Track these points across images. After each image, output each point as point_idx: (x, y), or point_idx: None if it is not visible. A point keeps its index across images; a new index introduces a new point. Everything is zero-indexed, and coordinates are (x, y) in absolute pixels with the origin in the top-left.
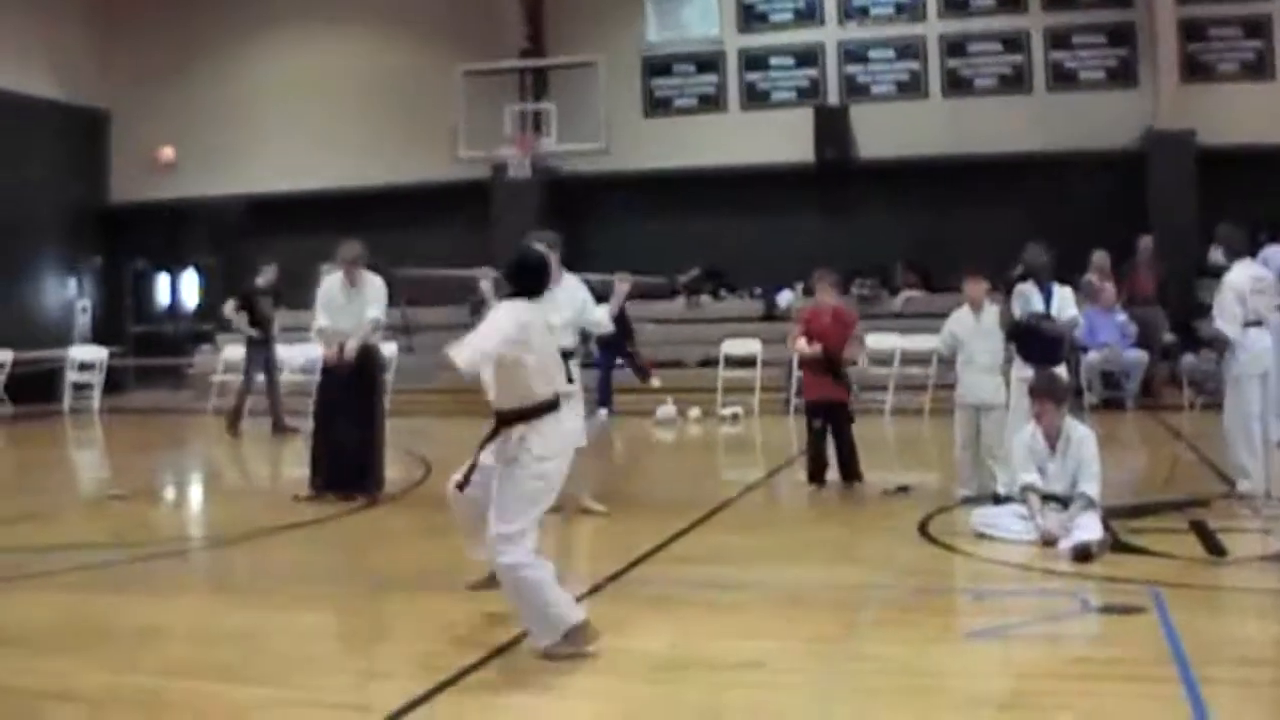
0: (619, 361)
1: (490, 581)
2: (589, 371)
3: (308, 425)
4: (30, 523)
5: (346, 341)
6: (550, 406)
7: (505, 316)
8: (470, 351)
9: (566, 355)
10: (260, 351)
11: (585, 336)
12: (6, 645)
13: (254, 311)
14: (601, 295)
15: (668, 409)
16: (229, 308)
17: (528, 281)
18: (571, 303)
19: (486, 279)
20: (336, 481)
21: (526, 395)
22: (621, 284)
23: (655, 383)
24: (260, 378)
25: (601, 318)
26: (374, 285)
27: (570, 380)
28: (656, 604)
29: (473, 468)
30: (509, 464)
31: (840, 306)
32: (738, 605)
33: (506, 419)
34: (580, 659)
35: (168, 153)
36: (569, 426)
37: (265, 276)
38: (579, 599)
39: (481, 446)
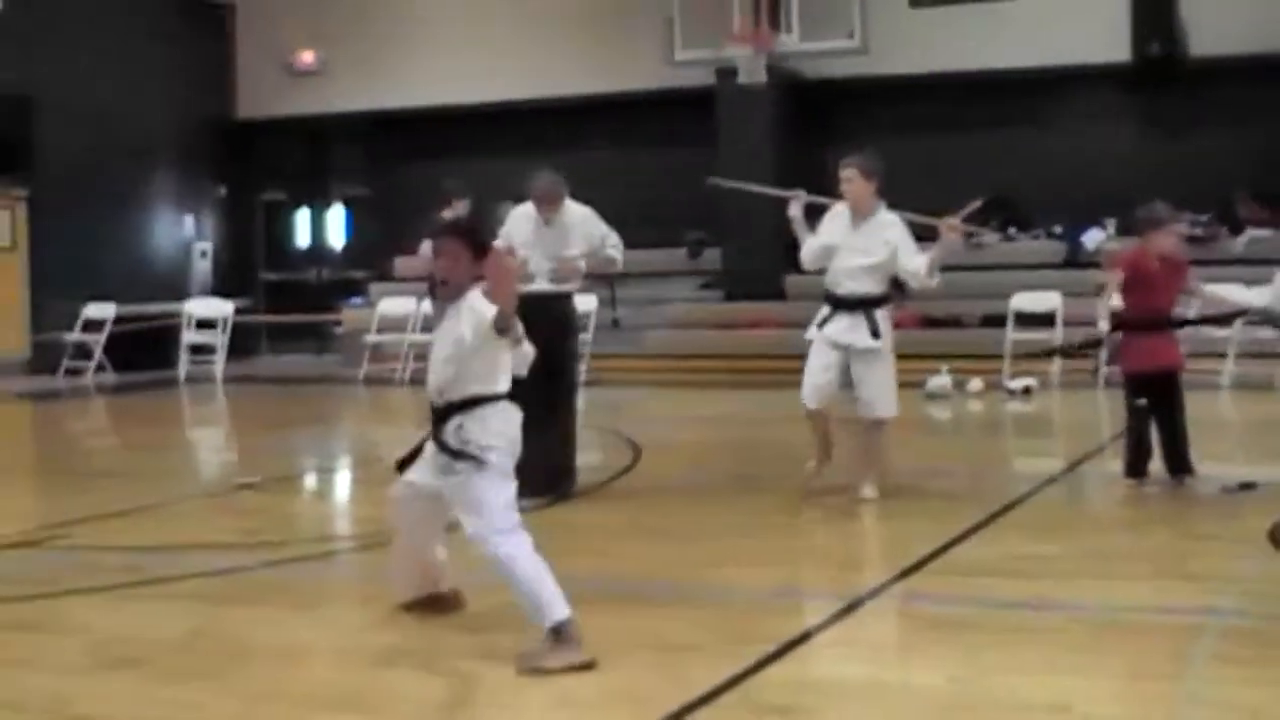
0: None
1: (428, 604)
2: None
3: None
4: (144, 518)
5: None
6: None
7: None
8: None
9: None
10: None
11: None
12: (124, 668)
13: None
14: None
15: (941, 379)
16: (425, 249)
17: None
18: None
19: (799, 202)
20: (516, 473)
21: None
22: (794, 205)
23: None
24: None
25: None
26: (584, 219)
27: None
28: (932, 627)
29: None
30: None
31: (1176, 251)
32: (1035, 630)
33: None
34: (585, 669)
35: (308, 57)
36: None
37: (457, 211)
38: (830, 618)
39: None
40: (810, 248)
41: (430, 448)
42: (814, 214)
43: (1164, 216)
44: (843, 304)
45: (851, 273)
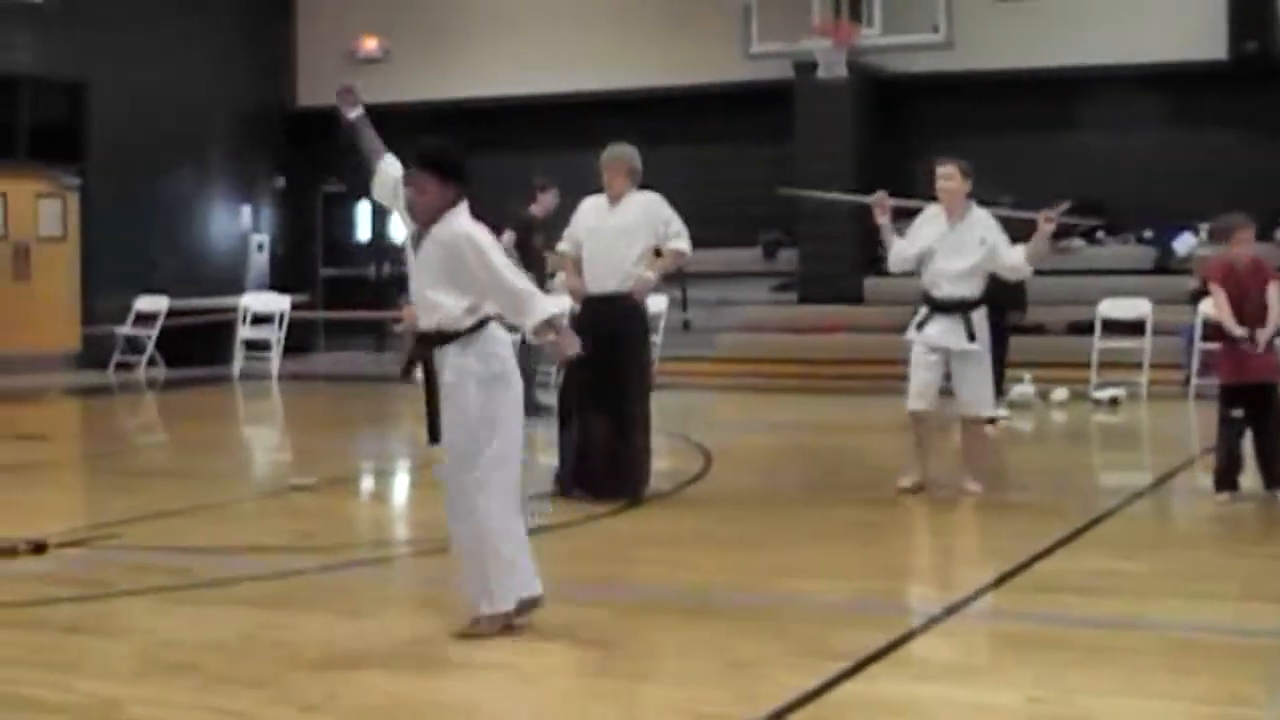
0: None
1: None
2: None
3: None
4: (196, 519)
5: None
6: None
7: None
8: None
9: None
10: None
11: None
12: (174, 673)
13: (528, 249)
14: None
15: (1024, 388)
16: (507, 239)
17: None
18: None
19: (883, 207)
20: (588, 477)
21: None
22: (880, 212)
23: None
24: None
25: None
26: (649, 203)
27: None
28: (1013, 644)
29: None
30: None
31: (1259, 256)
32: (1117, 650)
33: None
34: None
35: (371, 44)
36: None
37: (541, 204)
38: (907, 634)
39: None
40: (901, 252)
41: None
42: (896, 216)
43: (1233, 224)
44: (941, 306)
45: (951, 276)
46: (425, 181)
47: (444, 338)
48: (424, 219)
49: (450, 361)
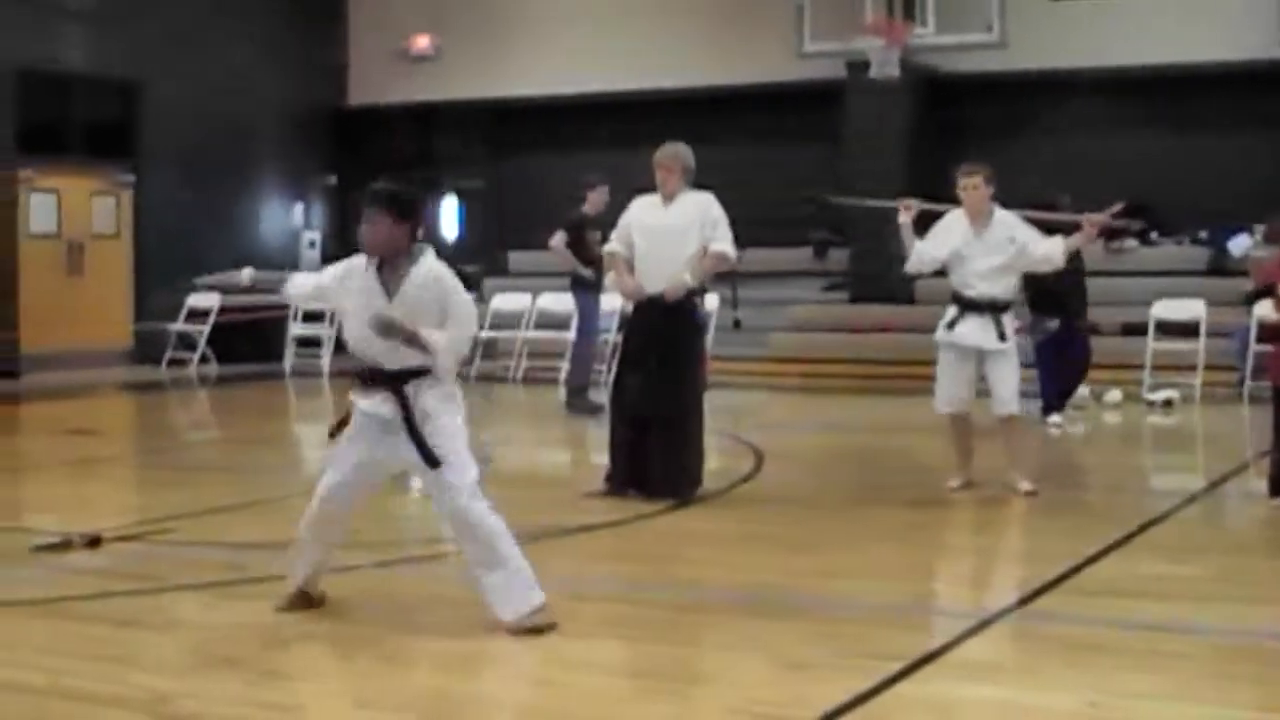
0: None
1: (299, 600)
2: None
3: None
4: (247, 514)
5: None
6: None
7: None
8: None
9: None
10: (592, 300)
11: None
12: (225, 667)
13: (583, 246)
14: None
15: (1078, 391)
16: (558, 240)
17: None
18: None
19: (911, 210)
20: (639, 476)
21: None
22: (904, 212)
23: None
24: (575, 334)
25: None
26: (699, 203)
27: None
28: (1068, 649)
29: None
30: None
31: None
32: (1172, 656)
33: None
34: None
35: (423, 42)
36: None
37: (592, 202)
38: (958, 636)
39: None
40: (924, 254)
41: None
42: (930, 220)
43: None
44: (972, 306)
45: (984, 274)
46: (378, 217)
47: (425, 371)
48: (373, 250)
49: (428, 391)
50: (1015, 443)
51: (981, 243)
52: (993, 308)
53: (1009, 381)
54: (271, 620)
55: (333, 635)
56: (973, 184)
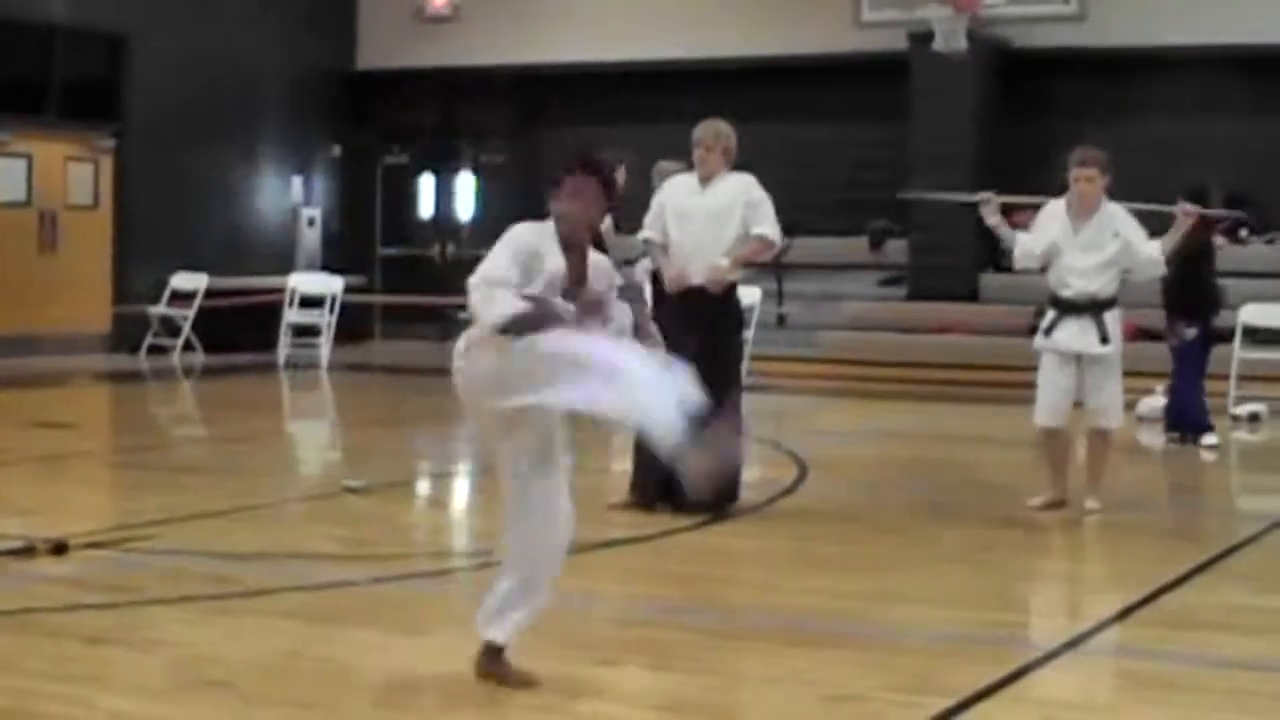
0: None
1: None
2: None
3: None
4: (236, 521)
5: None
6: None
7: None
8: None
9: None
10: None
11: None
12: (208, 691)
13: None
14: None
15: (1155, 401)
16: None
17: None
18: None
19: (993, 206)
20: (669, 487)
21: None
22: (989, 213)
23: None
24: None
25: None
26: (740, 185)
27: None
28: (1139, 684)
29: None
30: None
31: None
32: (1254, 694)
33: None
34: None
35: (440, 2)
36: None
37: (622, 176)
38: (1020, 669)
39: None
40: (1028, 248)
41: None
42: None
43: None
44: (1071, 307)
45: (1081, 271)
46: (585, 185)
47: None
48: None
49: None
50: (1097, 459)
51: (1081, 237)
52: (1093, 306)
53: (1108, 390)
54: (261, 639)
55: (328, 658)
56: (1086, 175)
